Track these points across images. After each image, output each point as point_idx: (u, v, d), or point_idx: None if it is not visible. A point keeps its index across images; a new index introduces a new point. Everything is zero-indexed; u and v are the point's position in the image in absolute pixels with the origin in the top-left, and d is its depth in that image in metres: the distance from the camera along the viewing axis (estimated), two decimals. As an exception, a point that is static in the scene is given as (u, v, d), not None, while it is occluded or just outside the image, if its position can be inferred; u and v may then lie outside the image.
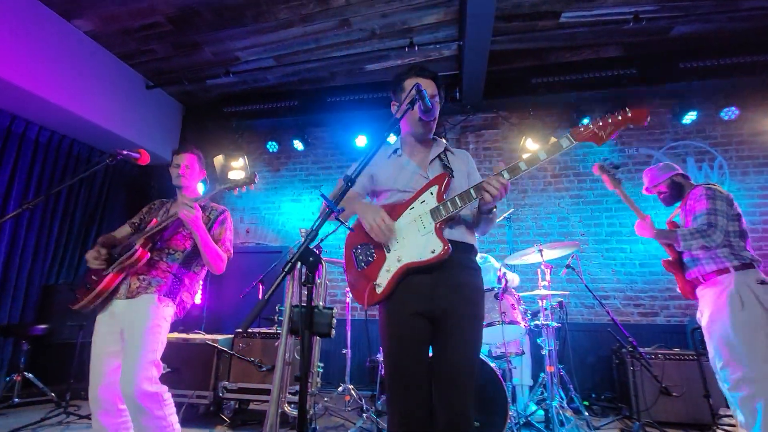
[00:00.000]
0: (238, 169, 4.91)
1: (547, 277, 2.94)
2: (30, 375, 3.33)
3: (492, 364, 2.38)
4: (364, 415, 2.83)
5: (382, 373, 2.66)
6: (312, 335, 0.90)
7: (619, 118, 1.34)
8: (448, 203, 1.37)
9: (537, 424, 2.74)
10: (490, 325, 2.50)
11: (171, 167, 2.09)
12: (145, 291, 1.85)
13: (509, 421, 2.29)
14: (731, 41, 3.96)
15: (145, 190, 5.21)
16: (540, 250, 2.92)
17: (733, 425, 2.79)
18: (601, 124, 1.35)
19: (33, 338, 3.44)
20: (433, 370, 1.35)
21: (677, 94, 4.17)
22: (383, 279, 1.38)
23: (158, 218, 2.01)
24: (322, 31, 3.90)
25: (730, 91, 4.15)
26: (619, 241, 4.23)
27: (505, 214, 3.63)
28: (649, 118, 1.34)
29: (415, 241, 1.38)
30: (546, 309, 2.90)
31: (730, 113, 4.06)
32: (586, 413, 2.89)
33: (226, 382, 3.06)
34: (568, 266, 3.11)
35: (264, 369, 3.01)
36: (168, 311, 1.89)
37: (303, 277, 0.92)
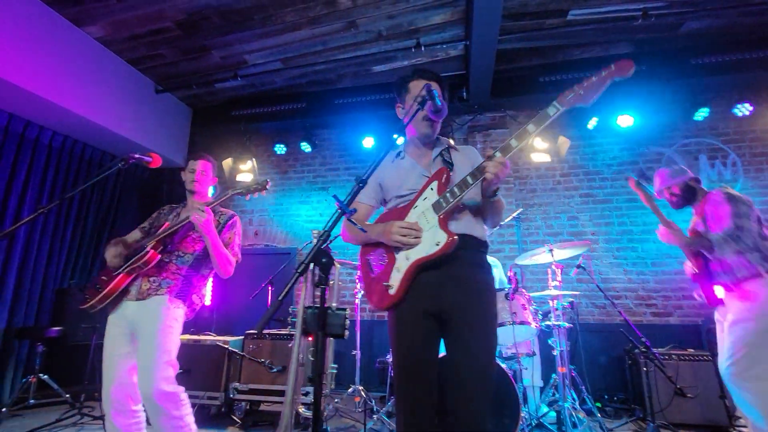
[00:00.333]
0: (246, 171, 4.95)
1: (558, 278, 2.92)
2: (45, 377, 3.39)
3: (503, 365, 2.37)
4: (375, 416, 2.83)
5: (392, 374, 2.66)
6: (325, 336, 0.90)
7: (604, 74, 1.29)
8: (447, 194, 1.37)
9: (549, 426, 2.71)
10: (500, 325, 2.48)
11: (186, 172, 2.13)
12: (155, 293, 1.87)
13: (521, 423, 2.27)
14: (743, 36, 3.89)
15: (156, 193, 5.27)
16: (551, 251, 2.90)
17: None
18: (585, 84, 1.30)
19: (47, 340, 3.50)
20: (447, 374, 1.33)
21: (688, 90, 4.11)
22: (395, 280, 1.38)
23: (169, 222, 2.04)
24: (329, 34, 3.92)
25: (743, 86, 4.08)
26: (630, 240, 4.18)
27: (514, 214, 3.61)
28: (633, 69, 1.29)
29: (421, 238, 1.38)
30: (557, 309, 2.87)
31: (743, 109, 3.99)
32: (599, 415, 2.86)
33: (237, 384, 3.08)
34: (579, 266, 3.08)
35: (275, 370, 3.03)
36: (179, 312, 1.92)
37: (316, 278, 0.92)
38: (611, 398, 3.65)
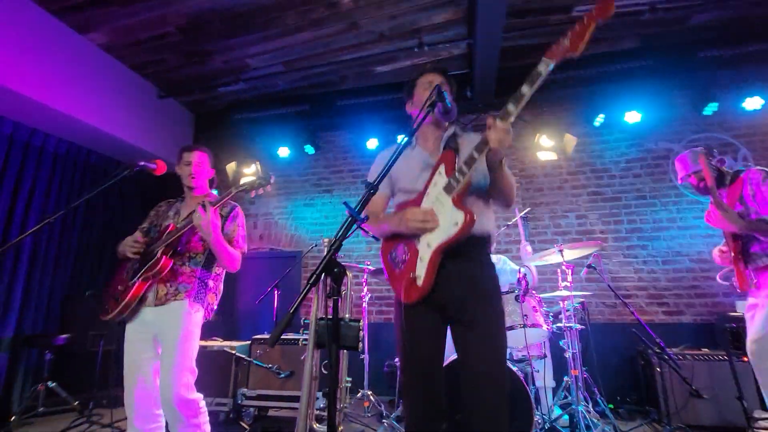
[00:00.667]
0: (250, 175, 4.93)
1: (569, 278, 2.87)
2: (53, 384, 3.38)
3: (514, 368, 2.33)
4: (385, 422, 2.80)
5: (400, 376, 2.62)
6: (339, 349, 0.87)
7: (585, 21, 1.25)
8: (456, 173, 1.36)
9: (562, 429, 2.67)
10: (511, 328, 2.44)
11: (181, 165, 2.07)
12: (174, 297, 1.86)
13: (535, 426, 2.23)
14: (752, 28, 3.82)
15: (160, 198, 5.23)
16: (560, 251, 2.85)
17: (769, 428, 2.67)
18: (569, 34, 1.26)
19: (56, 348, 3.49)
20: (459, 374, 1.34)
21: (697, 84, 4.03)
22: (420, 270, 1.36)
23: (169, 219, 2.03)
24: (331, 35, 3.89)
25: (754, 80, 4.00)
26: (640, 239, 4.11)
27: (521, 213, 3.56)
28: (614, 9, 1.24)
29: (439, 222, 1.36)
30: (568, 310, 2.82)
31: (754, 103, 3.91)
32: (613, 417, 2.81)
33: (245, 389, 3.06)
34: (589, 266, 3.03)
35: (283, 375, 3.00)
36: (198, 316, 1.92)
37: (328, 289, 0.89)
38: (624, 400, 3.59)
